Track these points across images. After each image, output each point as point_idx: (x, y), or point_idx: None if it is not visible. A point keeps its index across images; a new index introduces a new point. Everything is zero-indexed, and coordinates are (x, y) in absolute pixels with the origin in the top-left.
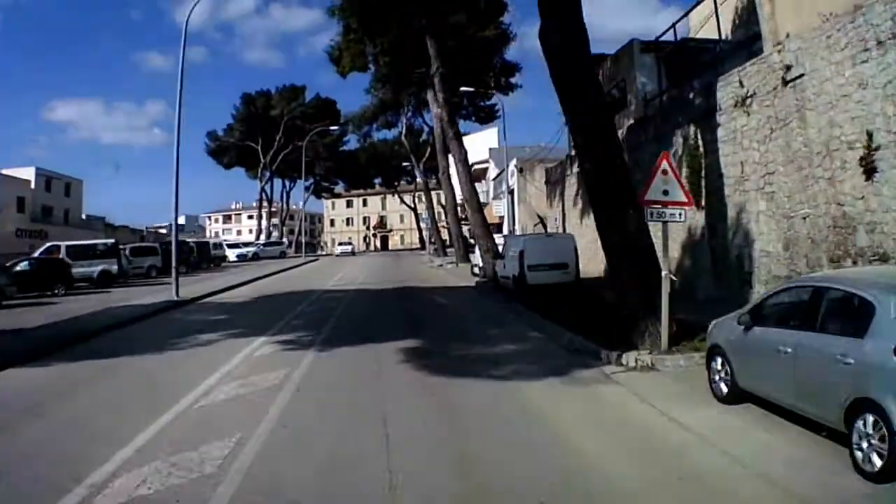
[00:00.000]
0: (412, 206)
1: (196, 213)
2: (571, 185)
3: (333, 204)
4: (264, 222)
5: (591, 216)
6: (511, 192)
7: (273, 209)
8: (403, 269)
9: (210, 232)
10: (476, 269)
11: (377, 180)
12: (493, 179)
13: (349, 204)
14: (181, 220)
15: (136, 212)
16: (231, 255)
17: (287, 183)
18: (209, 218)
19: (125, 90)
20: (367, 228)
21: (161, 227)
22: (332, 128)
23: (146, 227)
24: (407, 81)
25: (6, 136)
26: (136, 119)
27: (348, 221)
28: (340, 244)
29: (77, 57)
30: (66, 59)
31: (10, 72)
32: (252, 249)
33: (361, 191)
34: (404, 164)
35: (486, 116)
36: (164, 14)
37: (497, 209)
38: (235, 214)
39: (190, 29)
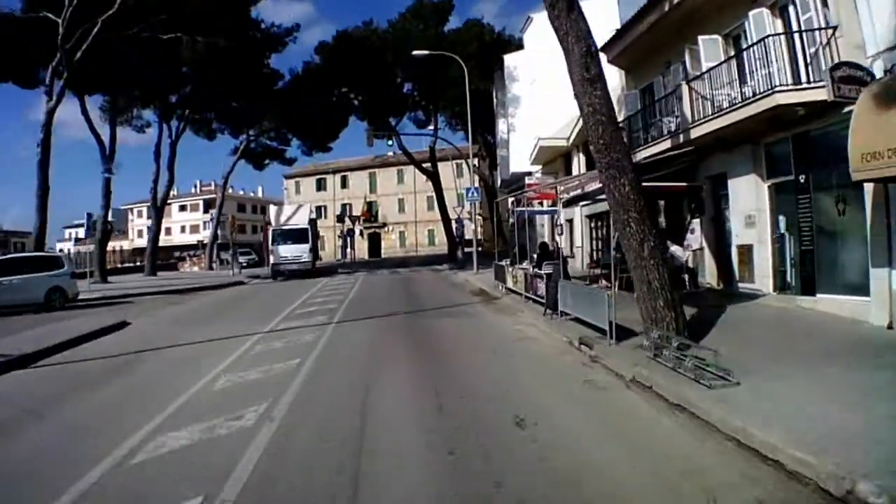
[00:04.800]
0: (431, 169)
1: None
2: None
3: (297, 186)
4: None
5: None
6: None
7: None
8: None
9: (132, 230)
10: None
11: (356, 118)
12: None
13: (320, 185)
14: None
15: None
16: None
17: (176, 127)
18: (131, 211)
19: None
20: (342, 221)
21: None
22: None
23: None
24: None
25: None
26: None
27: (319, 212)
28: None
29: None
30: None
31: None
32: None
33: (331, 160)
34: (415, 52)
35: None
36: None
37: None
38: (165, 205)
39: None
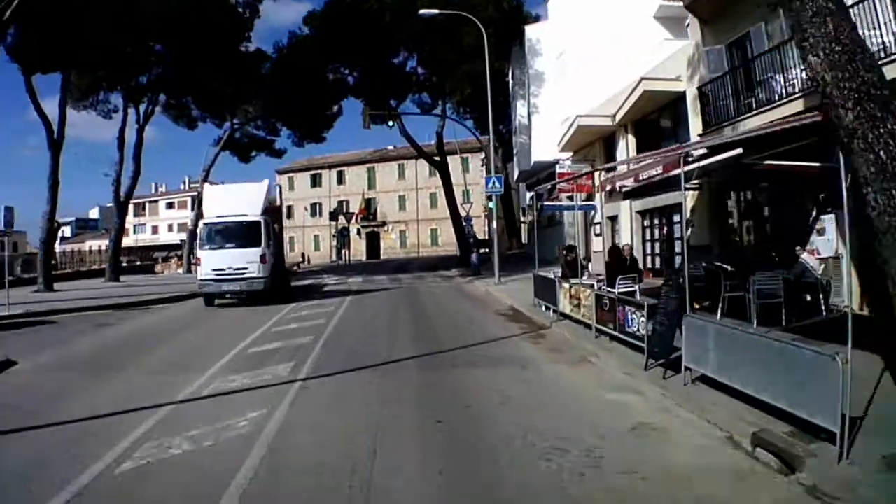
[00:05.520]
0: (438, 159)
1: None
2: None
3: (291, 181)
4: None
5: None
6: None
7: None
8: None
9: None
10: None
11: (352, 100)
12: None
13: (315, 180)
14: (94, 213)
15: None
16: None
17: (144, 110)
18: None
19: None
20: (336, 218)
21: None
22: None
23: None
24: None
25: None
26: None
27: (314, 209)
28: None
29: None
30: None
31: None
32: None
33: (327, 153)
34: (423, 11)
35: None
36: None
37: None
38: (151, 202)
39: None
